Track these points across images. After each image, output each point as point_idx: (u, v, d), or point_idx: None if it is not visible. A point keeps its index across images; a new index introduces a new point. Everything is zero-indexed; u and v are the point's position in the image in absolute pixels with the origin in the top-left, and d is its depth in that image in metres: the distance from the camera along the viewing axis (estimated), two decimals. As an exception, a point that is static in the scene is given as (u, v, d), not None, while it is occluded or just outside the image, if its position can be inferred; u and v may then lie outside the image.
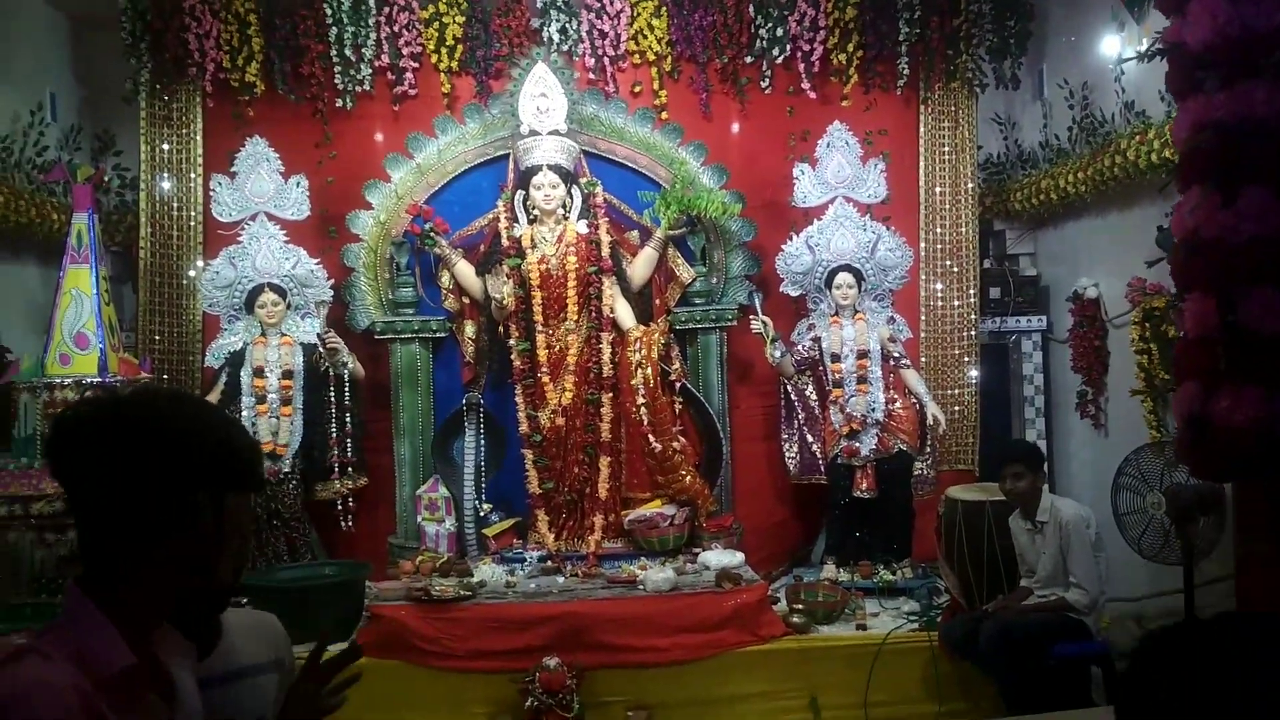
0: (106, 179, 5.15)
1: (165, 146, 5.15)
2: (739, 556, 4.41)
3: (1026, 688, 3.64)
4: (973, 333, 5.26)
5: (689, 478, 4.60)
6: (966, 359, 5.26)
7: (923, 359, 5.22)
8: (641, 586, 4.17)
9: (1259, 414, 2.44)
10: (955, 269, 5.28)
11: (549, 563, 4.46)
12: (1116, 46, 4.63)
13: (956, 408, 5.21)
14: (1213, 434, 2.55)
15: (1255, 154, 2.57)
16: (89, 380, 4.36)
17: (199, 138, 5.17)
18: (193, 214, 5.14)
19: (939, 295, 5.29)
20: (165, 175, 5.14)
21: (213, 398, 4.59)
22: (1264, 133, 2.57)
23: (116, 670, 1.14)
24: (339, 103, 5.13)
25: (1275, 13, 2.55)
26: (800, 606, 4.18)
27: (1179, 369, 2.71)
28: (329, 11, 5.05)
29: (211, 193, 4.93)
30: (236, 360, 4.69)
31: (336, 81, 5.10)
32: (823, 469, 4.88)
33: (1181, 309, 2.68)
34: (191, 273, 5.07)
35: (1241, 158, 2.57)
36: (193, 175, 5.15)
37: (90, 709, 1.10)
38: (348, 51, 5.07)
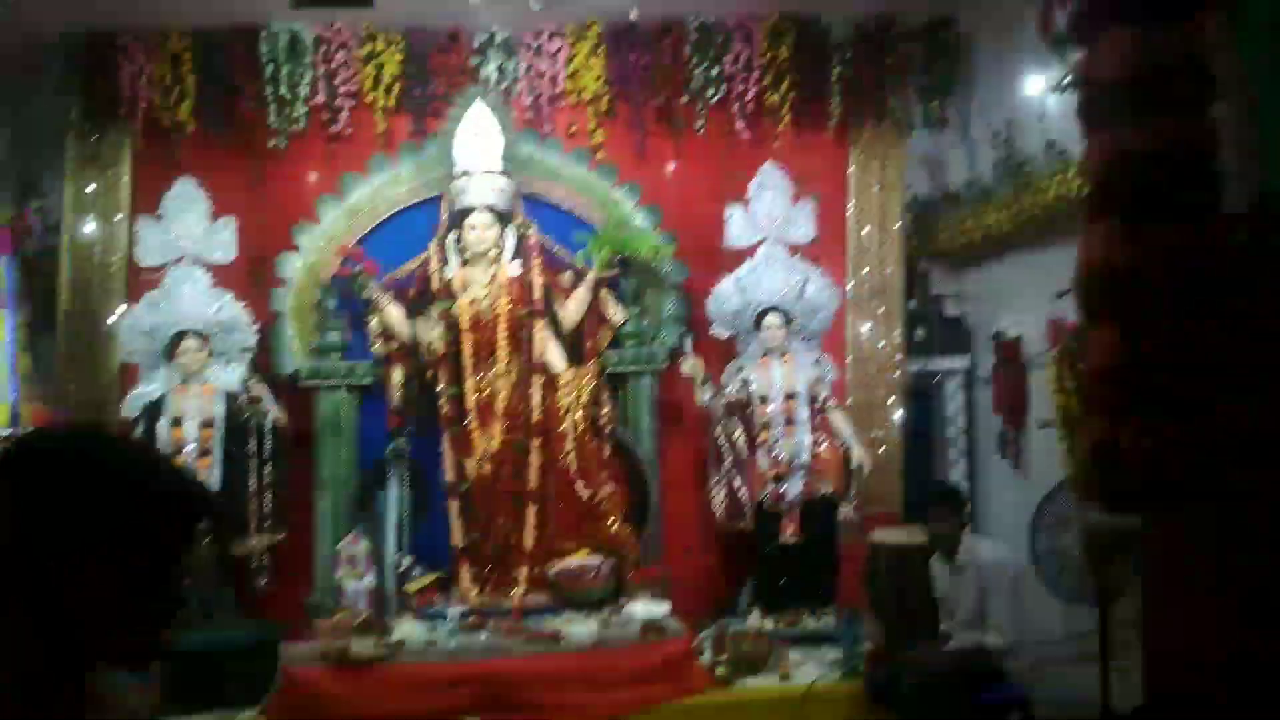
0: (30, 223, 5.04)
1: (91, 188, 5.07)
2: (665, 607, 4.37)
3: (947, 735, 3.67)
4: (898, 373, 5.31)
5: (616, 526, 4.57)
6: (891, 400, 5.29)
7: (849, 400, 5.23)
8: (564, 642, 4.12)
9: (1161, 444, 2.49)
10: (882, 309, 5.33)
11: (471, 619, 4.36)
12: (1041, 86, 4.72)
13: (882, 449, 5.22)
14: (1117, 465, 2.58)
15: (1162, 186, 2.63)
16: (-1, 433, 4.28)
17: (126, 179, 5.09)
18: (116, 258, 5.04)
19: (865, 336, 5.33)
20: (89, 218, 5.04)
21: None
22: (1170, 165, 2.62)
23: None
24: (271, 143, 5.09)
25: (1182, 47, 2.61)
26: (725, 657, 4.16)
27: (1085, 401, 2.77)
28: (265, 49, 5.01)
29: (136, 235, 4.86)
30: (154, 409, 4.58)
31: (270, 121, 5.05)
32: (749, 515, 4.86)
33: (1088, 341, 2.72)
34: (111, 319, 4.97)
35: (1148, 190, 2.62)
36: (118, 217, 5.06)
37: None
38: (283, 90, 5.03)
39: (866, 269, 5.35)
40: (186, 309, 4.68)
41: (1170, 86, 2.63)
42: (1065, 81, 4.38)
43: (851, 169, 5.40)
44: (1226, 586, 2.56)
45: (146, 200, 4.98)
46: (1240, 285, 2.53)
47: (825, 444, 4.80)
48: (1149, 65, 2.58)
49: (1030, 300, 4.83)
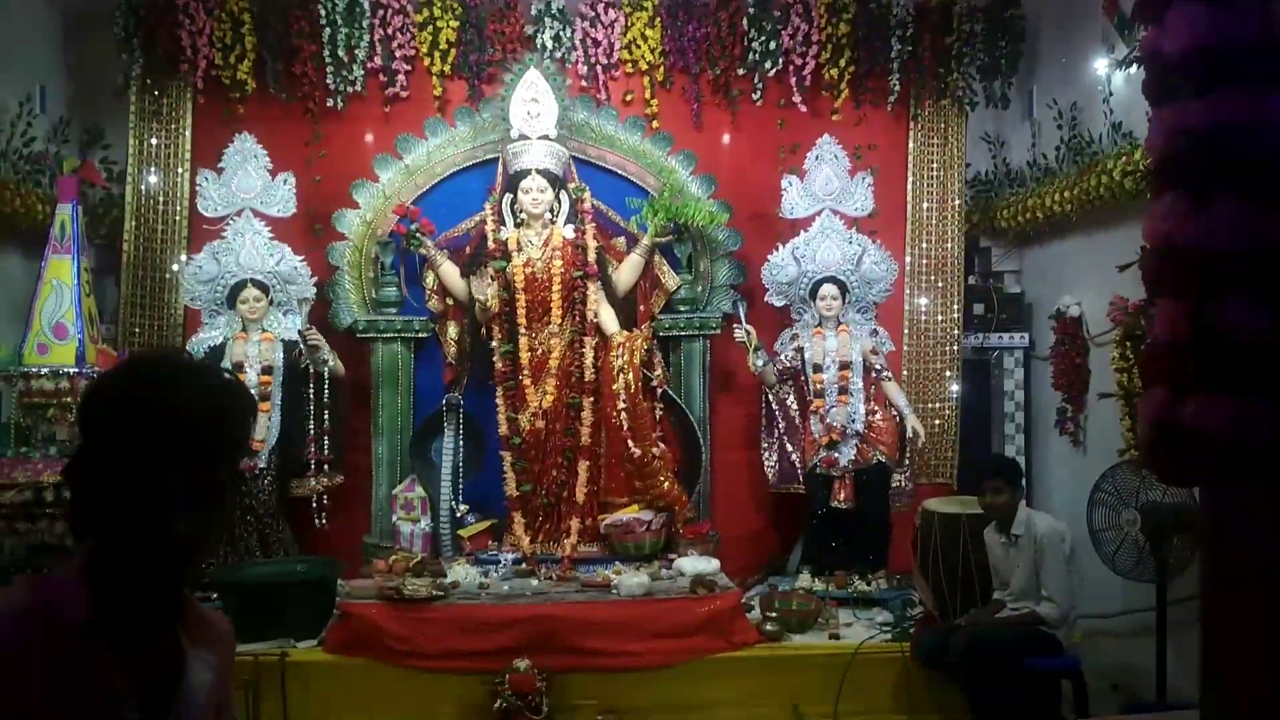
0: (99, 171, 5.12)
1: (154, 141, 5.15)
2: (714, 563, 4.40)
3: (997, 700, 3.64)
4: (955, 348, 5.27)
5: (667, 483, 4.59)
6: (948, 373, 5.26)
7: (905, 372, 5.22)
8: (615, 591, 4.14)
9: (1225, 419, 2.45)
10: (940, 284, 5.30)
11: (523, 565, 4.45)
12: (1106, 67, 4.67)
13: (937, 421, 5.21)
14: (1179, 439, 2.55)
15: (1228, 161, 2.59)
16: (66, 370, 4.34)
17: (188, 133, 5.17)
18: (178, 208, 5.13)
19: (923, 310, 5.30)
20: (152, 169, 5.13)
21: None
22: (1237, 140, 2.58)
23: (66, 618, 1.15)
24: (330, 103, 5.14)
25: (1251, 22, 2.57)
26: (774, 614, 4.16)
27: (1146, 374, 2.72)
28: (323, 12, 5.06)
29: (198, 187, 4.93)
30: (216, 355, 4.67)
31: (328, 82, 5.10)
32: (801, 478, 4.88)
33: (1152, 314, 2.69)
34: (175, 266, 5.05)
35: (1214, 164, 2.59)
36: (180, 170, 5.14)
37: (17, 636, 1.12)
38: (340, 52, 5.08)
39: (925, 244, 5.32)
40: (247, 259, 4.75)
41: (1240, 62, 2.59)
42: (1130, 55, 4.34)
43: (911, 144, 5.37)
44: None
45: (207, 155, 5.05)
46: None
47: (879, 414, 4.79)
48: (1218, 41, 2.54)
49: (1092, 279, 4.78)
